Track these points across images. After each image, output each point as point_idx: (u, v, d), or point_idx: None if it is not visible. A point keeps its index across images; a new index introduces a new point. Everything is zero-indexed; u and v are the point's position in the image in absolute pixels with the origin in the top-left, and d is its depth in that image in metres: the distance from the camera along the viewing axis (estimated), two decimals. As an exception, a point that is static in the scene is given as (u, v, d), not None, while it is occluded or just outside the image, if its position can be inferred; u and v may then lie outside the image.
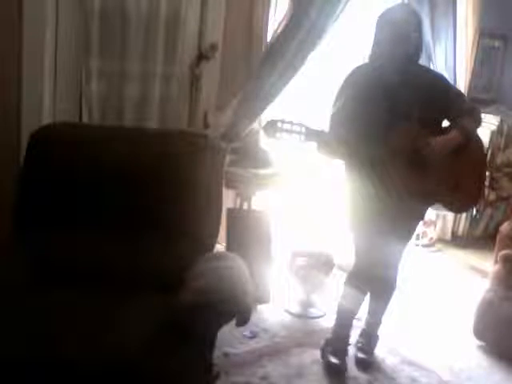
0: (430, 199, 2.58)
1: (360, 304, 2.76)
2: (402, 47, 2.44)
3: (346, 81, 2.57)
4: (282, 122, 2.36)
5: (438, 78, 2.66)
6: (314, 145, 2.45)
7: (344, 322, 2.77)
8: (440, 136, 2.50)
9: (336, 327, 2.79)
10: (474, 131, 2.63)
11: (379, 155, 2.43)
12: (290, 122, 2.36)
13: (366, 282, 2.68)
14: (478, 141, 2.67)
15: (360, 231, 2.62)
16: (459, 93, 2.74)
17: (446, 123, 2.65)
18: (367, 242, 2.59)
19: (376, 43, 2.52)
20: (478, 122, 2.64)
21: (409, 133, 2.47)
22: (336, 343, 2.77)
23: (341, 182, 2.68)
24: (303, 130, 2.36)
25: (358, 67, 2.62)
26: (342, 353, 2.74)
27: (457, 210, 2.97)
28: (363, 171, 2.48)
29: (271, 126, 2.36)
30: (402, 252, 2.73)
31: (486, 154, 2.80)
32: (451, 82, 4.17)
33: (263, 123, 2.50)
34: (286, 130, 2.36)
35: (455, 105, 2.57)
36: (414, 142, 2.46)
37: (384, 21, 2.49)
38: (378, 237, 2.55)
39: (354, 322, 2.83)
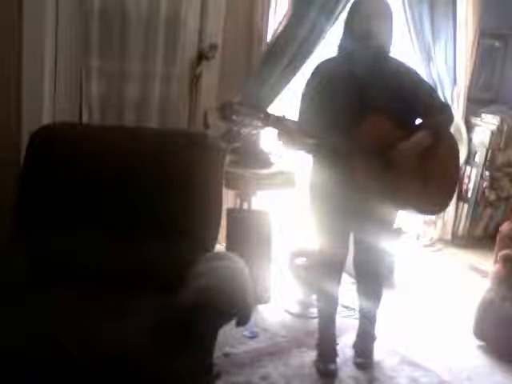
0: (396, 201, 2.47)
1: (336, 297, 2.73)
2: (371, 39, 2.37)
3: (314, 72, 2.52)
4: (240, 104, 2.32)
5: (409, 72, 2.55)
6: (276, 136, 2.39)
7: (326, 319, 2.76)
8: (407, 139, 2.42)
9: (320, 327, 2.78)
10: (445, 129, 2.57)
11: (344, 147, 2.36)
12: (248, 105, 2.32)
13: (333, 270, 2.66)
14: (450, 138, 2.60)
15: (321, 220, 2.60)
16: (431, 89, 2.65)
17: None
18: (328, 232, 2.59)
19: (345, 34, 2.47)
20: (450, 120, 2.57)
21: (376, 126, 2.40)
22: (323, 346, 2.75)
23: (307, 173, 2.65)
24: (261, 115, 2.31)
25: (326, 59, 2.57)
26: (330, 356, 2.72)
27: (427, 213, 2.87)
28: (327, 163, 2.44)
29: (227, 108, 2.29)
30: (377, 247, 2.63)
31: (458, 152, 2.67)
32: (451, 81, 4.19)
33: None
34: (244, 114, 2.29)
35: (425, 100, 2.48)
36: (382, 137, 2.39)
37: (354, 12, 2.43)
38: (339, 227, 2.55)
39: (351, 321, 2.83)
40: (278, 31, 3.29)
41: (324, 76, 2.49)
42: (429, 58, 4.02)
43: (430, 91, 2.60)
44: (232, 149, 3.17)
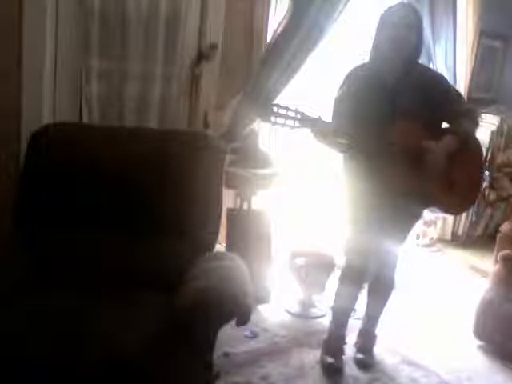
0: (425, 200, 2.56)
1: (354, 301, 2.76)
2: (401, 48, 2.45)
3: (347, 77, 2.58)
4: (278, 106, 2.35)
5: (438, 78, 2.65)
6: (309, 134, 2.42)
7: (339, 320, 2.77)
8: (439, 141, 2.48)
9: (331, 326, 2.79)
10: (472, 134, 2.62)
11: (377, 150, 2.42)
12: (286, 107, 2.34)
13: (358, 278, 2.68)
14: (476, 143, 2.66)
15: (354, 225, 2.62)
16: (458, 93, 2.73)
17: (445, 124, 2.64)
18: (360, 237, 2.59)
19: (376, 44, 2.53)
20: (476, 124, 2.65)
21: (408, 131, 2.46)
22: (332, 343, 2.77)
23: (340, 174, 2.67)
24: (299, 116, 2.35)
25: (358, 65, 2.63)
26: (337, 352, 2.75)
27: (452, 212, 2.96)
28: (360, 165, 2.48)
29: (266, 109, 2.34)
30: (397, 251, 2.73)
31: (483, 157, 2.78)
32: (451, 81, 4.19)
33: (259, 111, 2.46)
34: (281, 115, 2.33)
35: (453, 105, 2.56)
36: (413, 141, 2.45)
37: (384, 21, 2.49)
38: (371, 232, 2.55)
39: (352, 321, 2.83)
40: (278, 31, 3.29)
41: (356, 81, 2.55)
42: (429, 59, 4.02)
43: (457, 96, 2.67)
44: (232, 149, 3.17)
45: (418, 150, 2.46)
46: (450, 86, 2.73)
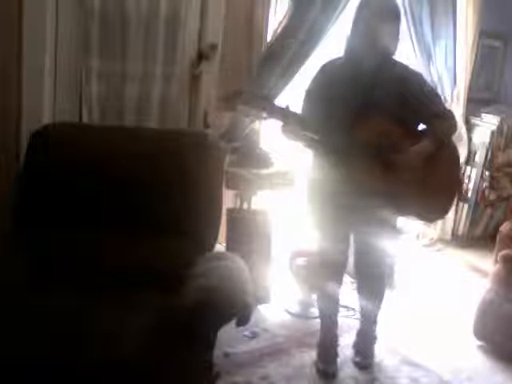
0: (395, 202, 2.45)
1: (337, 298, 2.74)
2: (376, 41, 2.38)
3: (320, 70, 2.53)
4: (245, 93, 2.30)
5: (414, 76, 2.55)
6: (278, 125, 2.38)
7: (328, 320, 2.76)
8: (408, 141, 2.41)
9: (322, 329, 2.78)
10: (449, 137, 2.56)
11: (344, 145, 2.36)
12: (253, 95, 2.31)
13: (333, 272, 2.66)
14: (451, 146, 2.59)
15: (319, 220, 2.61)
16: (435, 94, 2.65)
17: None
18: (326, 232, 2.58)
19: (351, 36, 2.46)
20: (453, 127, 2.58)
21: (377, 126, 2.39)
22: (324, 346, 2.75)
23: (307, 168, 2.65)
24: (266, 105, 2.30)
25: (332, 59, 2.57)
26: (331, 356, 2.72)
27: (425, 218, 2.83)
28: (328, 161, 2.43)
29: (233, 97, 2.29)
30: (378, 249, 2.63)
31: (459, 161, 2.68)
32: (451, 82, 4.19)
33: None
34: (248, 103, 2.28)
35: (430, 106, 2.49)
36: (383, 138, 2.39)
37: (360, 13, 2.42)
38: (336, 228, 2.54)
39: (352, 321, 2.83)
40: (278, 31, 3.29)
41: (329, 74, 2.49)
42: (429, 59, 4.02)
43: (435, 97, 2.59)
44: (232, 149, 3.17)
45: (391, 150, 2.39)
46: (427, 85, 2.65)
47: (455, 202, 4.28)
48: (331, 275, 2.68)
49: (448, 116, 2.55)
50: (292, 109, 2.37)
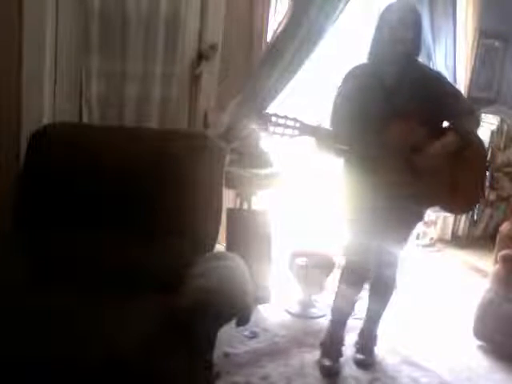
0: (427, 201, 2.56)
1: (354, 303, 2.76)
2: (400, 46, 2.43)
3: (345, 79, 2.57)
4: (276, 115, 2.32)
5: (437, 77, 2.63)
6: (310, 141, 2.41)
7: (339, 321, 2.77)
8: (437, 140, 2.48)
9: (330, 327, 2.78)
10: (473, 133, 2.61)
11: (374, 152, 2.40)
12: (285, 117, 2.32)
13: (358, 279, 2.67)
14: (478, 142, 2.65)
15: (353, 227, 2.62)
16: (458, 93, 2.71)
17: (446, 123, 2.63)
18: (359, 239, 2.58)
19: (375, 42, 2.51)
20: (477, 123, 2.64)
21: (406, 130, 2.45)
22: (330, 344, 2.76)
23: (339, 177, 2.67)
24: (297, 124, 2.33)
25: (356, 66, 2.61)
26: (335, 354, 2.74)
27: (456, 211, 2.96)
28: (359, 167, 2.47)
29: (264, 119, 2.32)
30: (398, 252, 2.72)
31: (486, 155, 2.79)
32: (451, 81, 4.19)
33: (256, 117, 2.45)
34: (280, 124, 2.31)
35: (453, 105, 2.55)
36: (411, 140, 2.44)
37: (383, 20, 2.48)
38: (370, 233, 2.54)
39: (352, 321, 2.83)
40: (278, 31, 3.29)
41: (354, 82, 2.53)
42: (429, 59, 4.01)
43: (458, 96, 2.65)
44: (232, 149, 3.17)
45: (416, 149, 2.44)
46: (449, 84, 2.72)
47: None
48: (355, 283, 2.69)
49: (471, 113, 2.60)
50: (322, 125, 2.45)
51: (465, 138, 2.52)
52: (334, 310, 2.79)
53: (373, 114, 2.44)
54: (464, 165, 2.54)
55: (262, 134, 2.51)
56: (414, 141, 2.45)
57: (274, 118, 2.32)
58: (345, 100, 2.52)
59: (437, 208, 2.73)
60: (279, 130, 2.32)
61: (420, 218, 2.74)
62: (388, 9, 2.49)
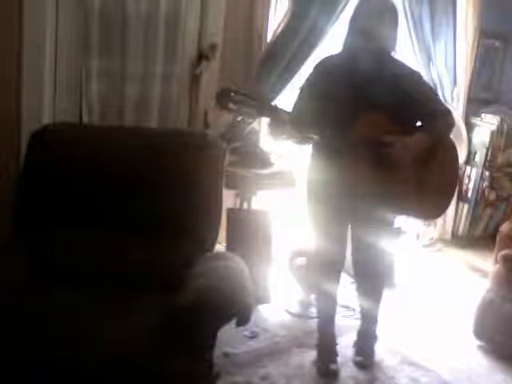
0: (392, 200, 2.45)
1: (335, 296, 2.74)
2: (372, 39, 2.38)
3: (315, 67, 2.54)
4: (236, 92, 2.30)
5: (411, 75, 2.55)
6: (267, 123, 2.40)
7: (325, 319, 2.76)
8: (404, 136, 2.40)
9: (319, 328, 2.78)
10: (447, 134, 2.55)
11: (336, 142, 2.36)
12: (245, 94, 2.31)
13: (329, 270, 2.66)
14: (450, 145, 2.58)
15: (319, 218, 2.60)
16: (433, 92, 2.65)
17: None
18: (326, 227, 2.58)
19: (350, 32, 2.47)
20: (450, 125, 2.55)
21: (371, 123, 2.39)
22: (323, 345, 2.75)
23: (305, 168, 2.65)
24: (254, 103, 2.31)
25: (329, 56, 2.58)
26: (330, 355, 2.72)
27: (422, 217, 2.81)
28: (323, 160, 2.44)
29: (224, 95, 2.29)
30: (375, 241, 2.61)
31: (458, 159, 2.66)
32: (451, 81, 4.19)
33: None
34: (240, 101, 2.29)
35: (425, 104, 2.48)
36: (377, 135, 2.38)
37: (357, 11, 2.44)
38: (337, 226, 2.54)
39: (352, 321, 2.82)
40: (278, 31, 3.29)
41: (324, 71, 2.50)
42: (429, 59, 4.02)
43: (432, 95, 2.59)
44: (232, 149, 3.17)
45: (383, 145, 2.38)
46: (424, 83, 2.63)
47: (454, 202, 4.28)
48: (329, 274, 2.68)
49: (445, 114, 2.54)
50: (282, 107, 2.37)
51: (438, 139, 2.46)
52: (319, 310, 2.80)
53: (338, 102, 2.38)
54: (434, 167, 2.46)
55: (222, 111, 2.47)
56: (380, 135, 2.39)
57: (232, 94, 2.29)
58: (310, 87, 2.49)
59: (403, 213, 2.66)
60: (238, 107, 2.29)
61: (388, 217, 2.64)
62: (365, 0, 2.46)
